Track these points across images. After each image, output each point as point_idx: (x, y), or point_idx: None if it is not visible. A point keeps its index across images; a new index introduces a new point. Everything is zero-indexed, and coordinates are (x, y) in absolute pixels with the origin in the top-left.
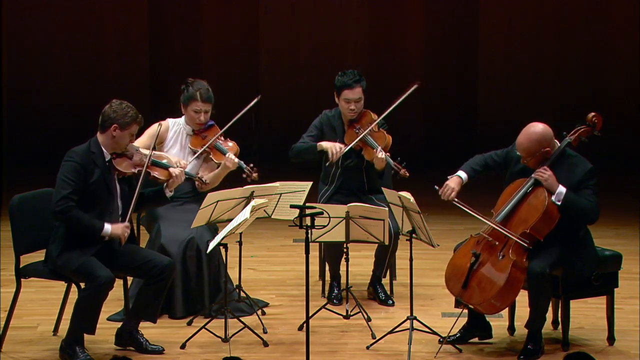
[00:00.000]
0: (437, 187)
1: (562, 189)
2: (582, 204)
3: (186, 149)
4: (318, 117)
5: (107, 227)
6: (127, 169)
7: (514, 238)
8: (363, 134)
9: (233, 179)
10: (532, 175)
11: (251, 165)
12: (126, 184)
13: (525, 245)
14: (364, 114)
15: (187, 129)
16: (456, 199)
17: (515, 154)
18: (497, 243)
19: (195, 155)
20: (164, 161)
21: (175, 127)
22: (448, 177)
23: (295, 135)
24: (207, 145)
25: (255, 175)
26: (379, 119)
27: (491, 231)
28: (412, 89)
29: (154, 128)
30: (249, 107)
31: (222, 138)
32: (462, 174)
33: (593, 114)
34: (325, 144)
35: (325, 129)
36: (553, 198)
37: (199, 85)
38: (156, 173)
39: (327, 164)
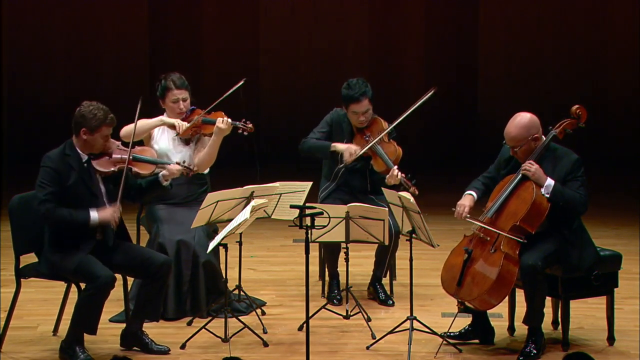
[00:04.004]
0: (453, 209)
1: (550, 182)
2: (570, 196)
3: (176, 141)
4: (329, 113)
5: (94, 215)
6: (107, 167)
7: (503, 234)
8: (372, 142)
9: (236, 178)
10: (519, 170)
11: (243, 119)
12: (111, 183)
13: (520, 240)
14: (374, 122)
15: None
16: (469, 215)
17: (502, 157)
18: (488, 238)
19: (185, 130)
20: (147, 156)
21: (159, 128)
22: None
23: (295, 135)
24: (193, 122)
25: (250, 125)
26: (390, 128)
27: (481, 227)
28: (428, 95)
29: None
30: (234, 88)
31: (207, 115)
32: (472, 192)
33: (577, 106)
34: (339, 146)
35: (334, 127)
36: (542, 191)
37: (171, 76)
38: (138, 168)
39: (341, 165)
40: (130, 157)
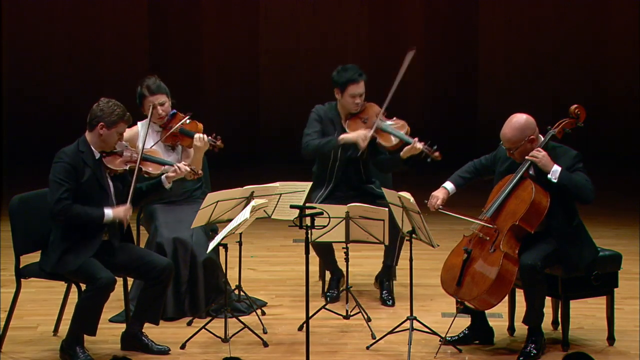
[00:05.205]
0: (426, 201)
1: (557, 167)
2: (578, 181)
3: (162, 147)
4: (312, 112)
5: (108, 212)
6: (118, 166)
7: (476, 221)
8: (377, 121)
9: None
10: (520, 168)
11: (213, 134)
12: (119, 181)
13: (490, 226)
14: (367, 106)
15: (154, 127)
16: (441, 206)
17: (502, 154)
18: (487, 238)
19: (157, 142)
20: (156, 157)
21: (143, 129)
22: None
23: (295, 135)
24: (171, 131)
25: (219, 142)
26: (386, 103)
27: (482, 227)
28: (409, 59)
29: (130, 131)
30: (180, 122)
31: (187, 122)
32: (447, 184)
33: (576, 105)
34: (348, 136)
35: (323, 122)
36: (549, 176)
37: (146, 82)
38: (148, 168)
39: (358, 153)
40: (142, 157)
